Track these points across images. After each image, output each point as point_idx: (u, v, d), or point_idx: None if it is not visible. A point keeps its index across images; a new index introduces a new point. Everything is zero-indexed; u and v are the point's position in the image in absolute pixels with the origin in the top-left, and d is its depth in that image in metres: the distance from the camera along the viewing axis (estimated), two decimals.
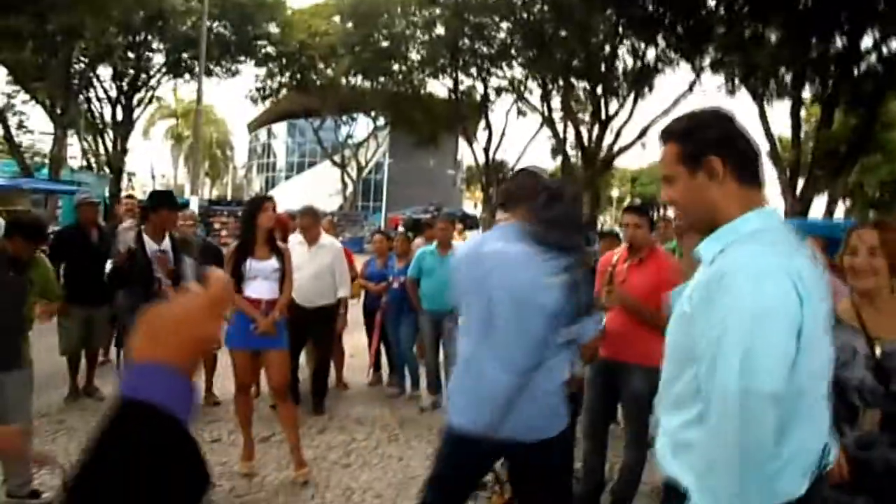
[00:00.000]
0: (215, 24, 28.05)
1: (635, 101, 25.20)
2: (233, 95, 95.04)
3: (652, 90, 25.49)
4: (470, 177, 52.49)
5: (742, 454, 1.41)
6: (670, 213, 7.41)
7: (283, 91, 35.58)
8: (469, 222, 27.79)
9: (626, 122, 25.45)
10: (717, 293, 1.47)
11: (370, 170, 43.55)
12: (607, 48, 24.67)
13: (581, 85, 26.32)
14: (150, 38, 28.19)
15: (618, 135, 25.56)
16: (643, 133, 25.56)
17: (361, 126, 40.60)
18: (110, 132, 29.69)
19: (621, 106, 25.34)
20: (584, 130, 26.17)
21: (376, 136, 41.24)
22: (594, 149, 25.51)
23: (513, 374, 2.37)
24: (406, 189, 43.88)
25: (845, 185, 21.27)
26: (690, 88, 24.27)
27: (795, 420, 1.47)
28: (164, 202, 5.07)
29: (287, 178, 56.63)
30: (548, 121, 28.09)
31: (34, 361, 3.98)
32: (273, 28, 31.20)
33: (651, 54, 24.10)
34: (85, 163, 31.36)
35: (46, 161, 25.55)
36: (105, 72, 28.29)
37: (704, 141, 1.59)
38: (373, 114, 37.92)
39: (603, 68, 24.78)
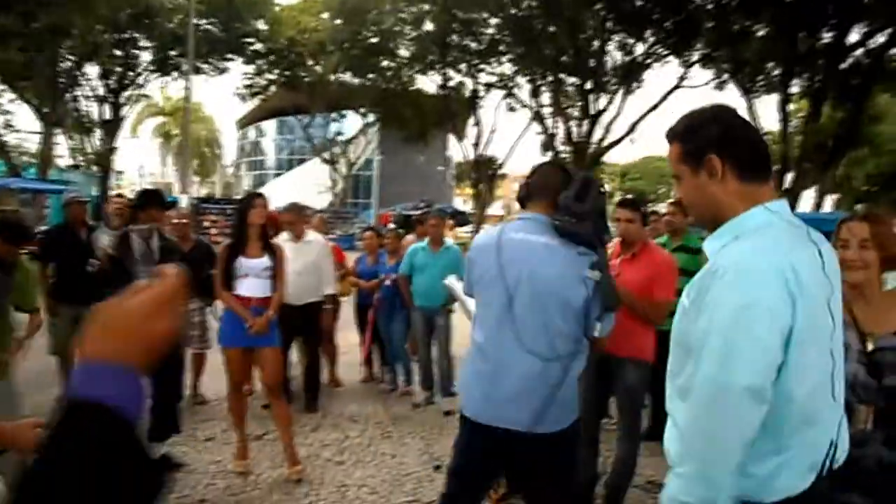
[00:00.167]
0: (203, 22, 27.89)
1: (624, 97, 25.30)
2: (221, 93, 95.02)
3: (641, 85, 25.61)
4: (460, 173, 52.48)
5: (711, 445, 1.44)
6: (661, 208, 7.44)
7: (272, 88, 35.46)
8: (460, 219, 27.81)
9: (615, 118, 25.55)
10: (708, 289, 1.49)
11: (360, 167, 43.44)
12: (596, 44, 24.68)
13: (570, 80, 26.35)
14: (137, 35, 27.97)
15: (607, 130, 25.65)
16: (632, 128, 25.71)
17: (351, 123, 40.47)
18: (98, 131, 29.48)
19: (610, 101, 25.40)
20: (573, 126, 26.22)
21: (366, 132, 41.13)
22: (584, 144, 25.54)
23: (534, 359, 2.37)
24: (396, 186, 43.86)
25: (833, 178, 21.42)
26: (679, 84, 24.37)
27: (792, 417, 1.47)
28: (153, 201, 5.01)
29: (276, 175, 56.51)
30: (537, 116, 28.12)
31: (25, 361, 3.92)
32: (261, 25, 31.10)
33: (640, 50, 24.23)
34: (73, 162, 31.14)
35: (34, 160, 25.37)
36: (92, 70, 28.11)
37: (705, 139, 1.60)
38: (362, 110, 37.79)
39: (592, 64, 24.80)
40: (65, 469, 0.63)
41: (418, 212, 13.87)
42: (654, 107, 24.94)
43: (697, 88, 25.08)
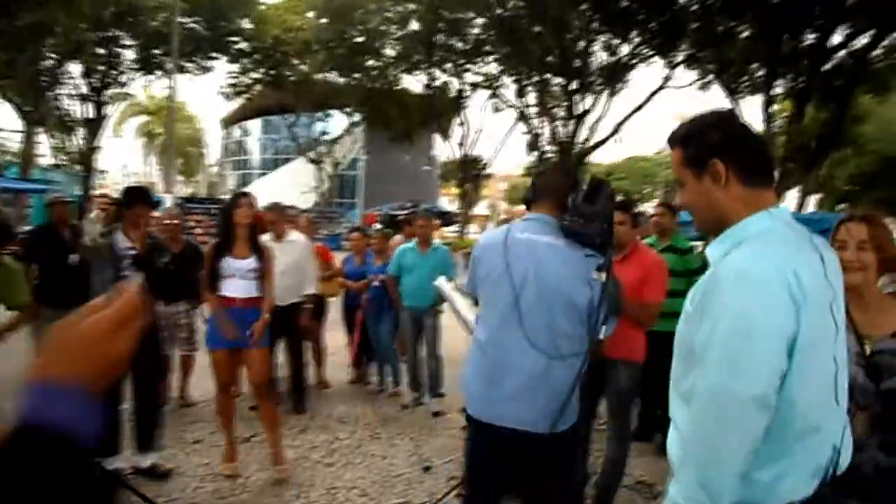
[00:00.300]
0: (187, 20, 27.65)
1: (609, 97, 25.38)
2: (206, 91, 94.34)
3: (626, 86, 25.73)
4: (445, 172, 52.49)
5: (713, 452, 1.43)
6: (648, 209, 7.47)
7: (257, 87, 35.27)
8: (446, 218, 27.80)
9: (600, 118, 25.64)
10: (711, 294, 1.49)
11: (345, 166, 43.30)
12: (582, 44, 24.75)
13: (556, 81, 26.42)
14: (120, 34, 27.70)
15: (592, 130, 25.76)
16: (617, 128, 25.84)
17: (336, 122, 40.33)
18: (81, 130, 29.19)
19: (595, 101, 25.50)
20: (559, 126, 26.29)
21: (351, 132, 41.00)
22: (569, 144, 25.61)
23: (540, 356, 2.36)
24: (382, 185, 43.76)
25: (817, 178, 21.61)
26: (664, 84, 24.51)
27: (795, 423, 1.46)
28: (139, 198, 4.90)
29: (261, 175, 56.17)
30: (523, 116, 28.17)
31: (7, 364, 3.85)
32: (246, 24, 30.90)
33: (625, 50, 24.33)
34: (55, 161, 30.81)
35: (16, 160, 25.08)
36: (75, 68, 27.82)
37: (707, 144, 1.60)
38: (347, 110, 37.67)
39: (577, 64, 24.88)
40: (6, 497, 0.60)
41: (404, 212, 13.85)
42: (639, 107, 25.13)
43: (682, 89, 25.28)
